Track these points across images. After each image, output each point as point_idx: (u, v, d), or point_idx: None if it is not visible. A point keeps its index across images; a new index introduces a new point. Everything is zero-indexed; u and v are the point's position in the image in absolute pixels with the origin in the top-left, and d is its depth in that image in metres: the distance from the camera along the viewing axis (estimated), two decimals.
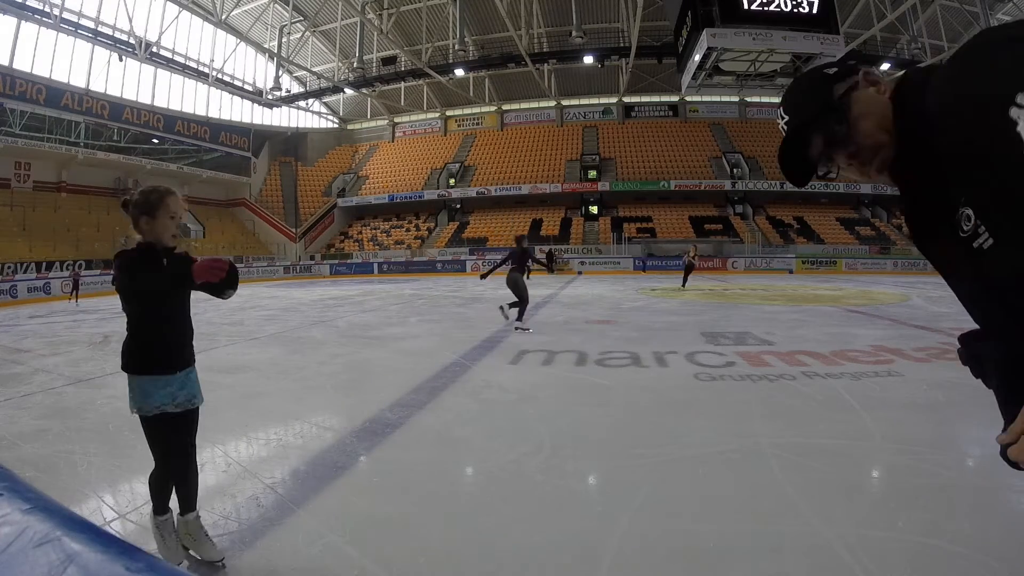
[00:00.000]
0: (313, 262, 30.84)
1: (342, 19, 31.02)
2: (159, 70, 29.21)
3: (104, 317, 10.80)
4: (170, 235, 1.90)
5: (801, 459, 2.87)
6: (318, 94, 36.14)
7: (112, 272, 1.88)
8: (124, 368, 1.89)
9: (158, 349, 1.88)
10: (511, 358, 5.76)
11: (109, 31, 26.18)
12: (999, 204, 0.62)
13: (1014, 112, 0.54)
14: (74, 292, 14.86)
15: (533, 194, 33.71)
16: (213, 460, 2.99)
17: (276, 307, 12.38)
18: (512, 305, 7.91)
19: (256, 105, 34.77)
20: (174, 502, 2.02)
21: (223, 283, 1.79)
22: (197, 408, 2.00)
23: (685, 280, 16.12)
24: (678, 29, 19.68)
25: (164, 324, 1.90)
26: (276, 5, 30.50)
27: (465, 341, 6.92)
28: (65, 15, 23.91)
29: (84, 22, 25.12)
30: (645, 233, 30.95)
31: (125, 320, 1.91)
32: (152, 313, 1.87)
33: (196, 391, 1.99)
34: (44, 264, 19.13)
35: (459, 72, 31.15)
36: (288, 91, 34.41)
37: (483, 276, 7.82)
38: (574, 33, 26.54)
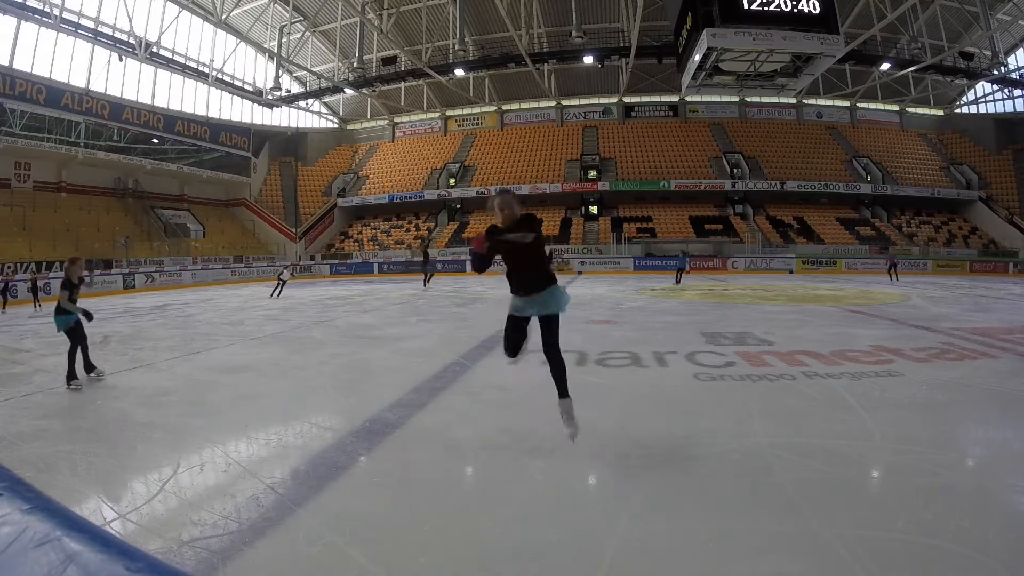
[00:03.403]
0: (313, 262, 30.82)
1: (342, 19, 30.99)
2: (159, 70, 29.17)
3: (105, 317, 10.77)
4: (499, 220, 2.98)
5: (801, 459, 2.87)
6: (318, 94, 36.11)
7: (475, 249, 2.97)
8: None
9: (516, 281, 3.00)
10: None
11: (109, 31, 26.15)
12: None
13: None
14: (35, 298, 14.01)
15: (533, 194, 33.65)
16: (213, 460, 2.99)
17: (276, 307, 12.37)
18: None
19: (256, 105, 34.72)
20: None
21: (487, 251, 2.90)
22: (556, 315, 2.96)
23: None
24: (678, 29, 19.67)
25: (521, 265, 2.96)
26: (276, 5, 30.47)
27: (465, 341, 6.91)
28: (65, 15, 23.87)
29: (84, 22, 25.08)
30: (645, 233, 30.93)
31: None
32: (511, 260, 2.97)
33: (554, 304, 2.95)
34: (45, 264, 19.11)
35: (459, 72, 31.12)
36: (288, 91, 34.36)
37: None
38: (574, 33, 26.52)
